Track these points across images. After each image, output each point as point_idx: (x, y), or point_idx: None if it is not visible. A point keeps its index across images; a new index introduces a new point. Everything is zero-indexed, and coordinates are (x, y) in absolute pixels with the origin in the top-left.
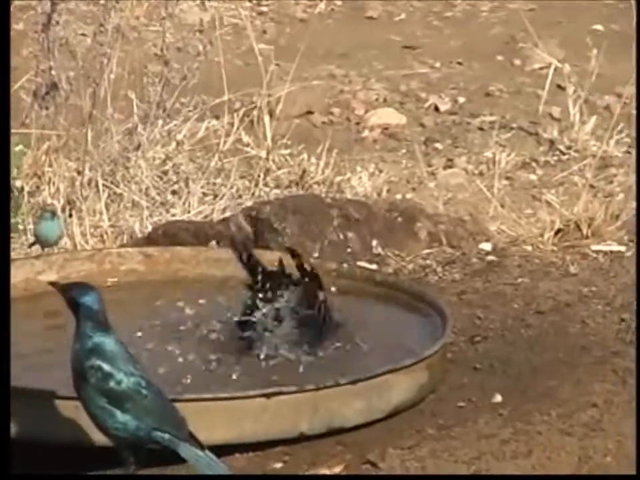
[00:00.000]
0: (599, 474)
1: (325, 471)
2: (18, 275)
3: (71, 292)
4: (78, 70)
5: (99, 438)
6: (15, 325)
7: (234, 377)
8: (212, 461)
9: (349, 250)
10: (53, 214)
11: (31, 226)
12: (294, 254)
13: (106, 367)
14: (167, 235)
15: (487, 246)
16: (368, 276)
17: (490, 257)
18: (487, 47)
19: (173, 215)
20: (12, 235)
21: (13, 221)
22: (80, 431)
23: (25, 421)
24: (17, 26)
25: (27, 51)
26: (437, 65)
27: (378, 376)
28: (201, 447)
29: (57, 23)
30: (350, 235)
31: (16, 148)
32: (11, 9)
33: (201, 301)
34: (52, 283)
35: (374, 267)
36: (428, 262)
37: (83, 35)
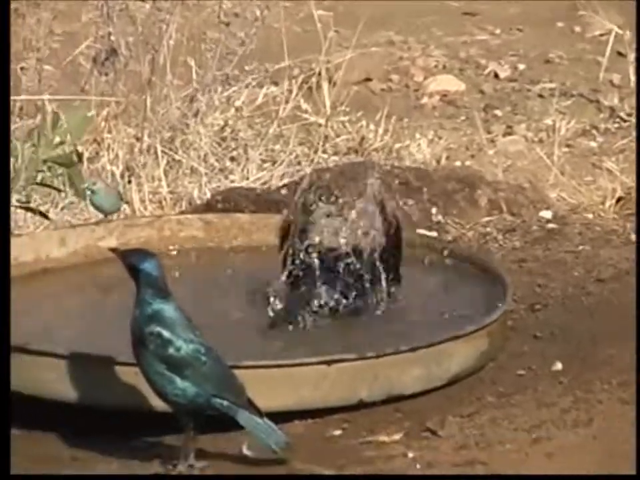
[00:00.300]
0: (599, 474)
1: (384, 438)
2: (79, 242)
3: (131, 258)
4: (137, 36)
5: (157, 403)
6: (75, 291)
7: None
8: (270, 428)
9: (408, 218)
10: (92, 191)
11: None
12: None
13: (165, 333)
14: (226, 202)
15: (547, 214)
16: (427, 243)
17: (550, 225)
18: (547, 14)
19: (232, 182)
20: (74, 200)
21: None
22: (139, 397)
23: (85, 386)
24: None
25: (87, 17)
26: (497, 31)
27: (438, 343)
28: (260, 414)
29: None
30: (409, 202)
31: (88, 114)
32: None
33: (258, 267)
34: (112, 249)
35: (433, 234)
36: (488, 230)
37: (142, 0)
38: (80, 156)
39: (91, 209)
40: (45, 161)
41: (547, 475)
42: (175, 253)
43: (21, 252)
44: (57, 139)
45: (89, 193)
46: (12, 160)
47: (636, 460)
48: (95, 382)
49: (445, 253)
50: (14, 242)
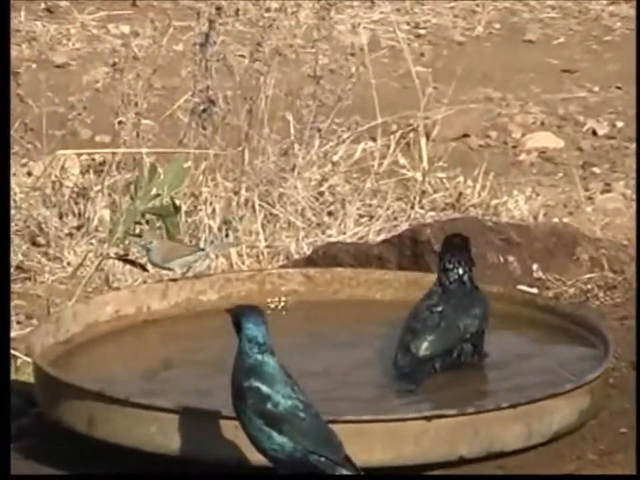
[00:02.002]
0: (599, 474)
1: None
2: (180, 295)
3: (236, 312)
4: (235, 89)
5: (258, 458)
6: (177, 343)
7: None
8: None
9: (509, 274)
10: (147, 250)
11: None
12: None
13: (264, 388)
14: (327, 256)
15: None
16: (529, 300)
17: None
18: None
19: (329, 236)
20: None
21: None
22: (241, 450)
23: (186, 439)
24: (176, 47)
25: (186, 71)
26: (596, 88)
27: (539, 400)
28: (357, 470)
29: (215, 42)
30: (510, 258)
31: (185, 165)
32: (171, 29)
33: (358, 324)
34: (227, 310)
35: (535, 290)
36: (589, 286)
37: (241, 55)
38: (177, 207)
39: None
40: (142, 214)
41: (548, 475)
42: (276, 307)
43: (122, 305)
44: (154, 191)
45: (144, 251)
46: (109, 213)
47: (636, 460)
48: (196, 435)
49: (546, 309)
50: (114, 295)
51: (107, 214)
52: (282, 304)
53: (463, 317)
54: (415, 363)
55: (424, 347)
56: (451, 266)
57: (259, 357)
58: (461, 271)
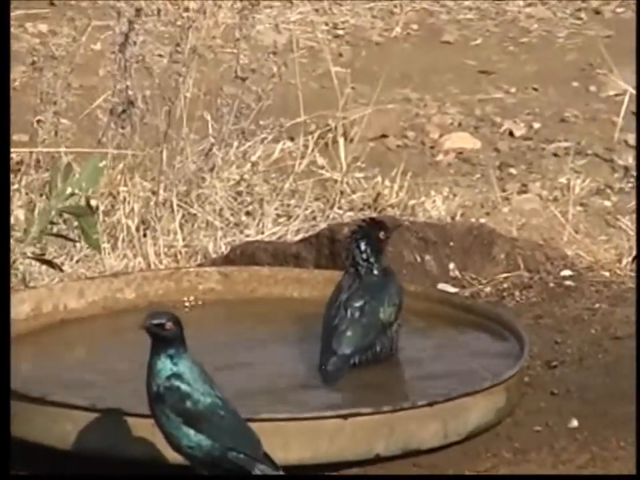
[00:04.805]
0: (600, 474)
1: None
2: (97, 293)
3: (148, 316)
4: (154, 89)
5: (175, 456)
6: (94, 342)
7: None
8: None
9: (426, 272)
10: None
11: (106, 245)
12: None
13: (183, 387)
14: (244, 255)
15: (564, 271)
16: (445, 298)
17: (567, 282)
18: (563, 73)
19: (247, 236)
20: (89, 253)
21: (94, 237)
22: (157, 449)
23: (101, 438)
24: (94, 46)
25: (104, 71)
26: (512, 90)
27: (455, 398)
28: (276, 467)
29: (134, 43)
30: (427, 257)
31: (100, 164)
32: (89, 29)
33: (275, 322)
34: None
35: (452, 289)
36: (505, 285)
37: (160, 55)
38: (91, 207)
39: (106, 261)
40: (60, 214)
41: (547, 475)
42: (193, 305)
43: (39, 303)
44: (69, 190)
45: None
46: (26, 212)
47: (636, 460)
48: (112, 434)
49: (462, 308)
50: (31, 293)
51: (21, 214)
52: (199, 302)
53: (382, 307)
54: (337, 361)
55: (345, 344)
56: (363, 255)
57: (176, 357)
58: (372, 258)
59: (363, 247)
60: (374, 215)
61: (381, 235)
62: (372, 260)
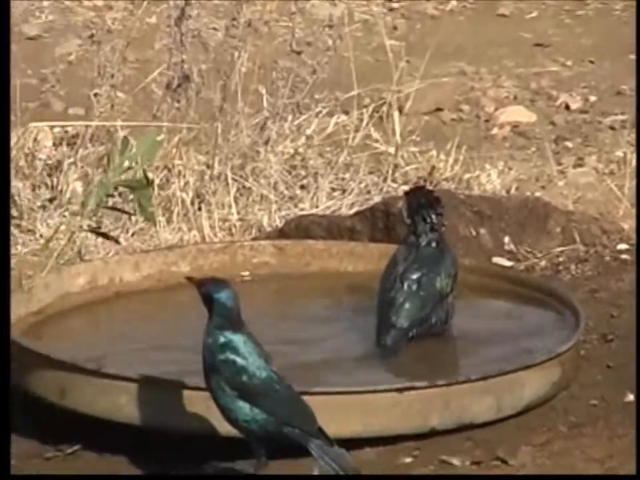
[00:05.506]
0: (600, 474)
1: (456, 463)
2: (153, 266)
3: (207, 287)
4: (209, 63)
5: (229, 429)
6: (149, 315)
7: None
8: (340, 457)
9: (481, 246)
10: None
11: (161, 218)
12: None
13: (239, 360)
14: (299, 229)
15: (620, 244)
16: (500, 272)
17: (623, 256)
18: (619, 46)
19: (301, 210)
20: (144, 226)
21: (150, 210)
22: (211, 422)
23: (155, 410)
24: (150, 20)
25: (160, 44)
26: (568, 62)
27: (510, 372)
28: (330, 442)
29: (190, 16)
30: (482, 231)
31: (157, 137)
32: (145, 2)
33: (330, 296)
34: (188, 278)
35: (506, 263)
36: (561, 259)
37: (215, 29)
38: (149, 180)
39: (161, 235)
40: (116, 187)
41: (548, 475)
42: (247, 279)
43: (94, 276)
44: (126, 163)
45: None
46: (83, 185)
47: (636, 460)
48: (167, 406)
49: (517, 281)
50: (87, 266)
51: (79, 186)
52: (254, 276)
53: (439, 277)
54: (395, 334)
55: (403, 317)
56: (420, 227)
57: (232, 331)
58: (431, 230)
59: (428, 217)
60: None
61: (440, 209)
62: (434, 231)
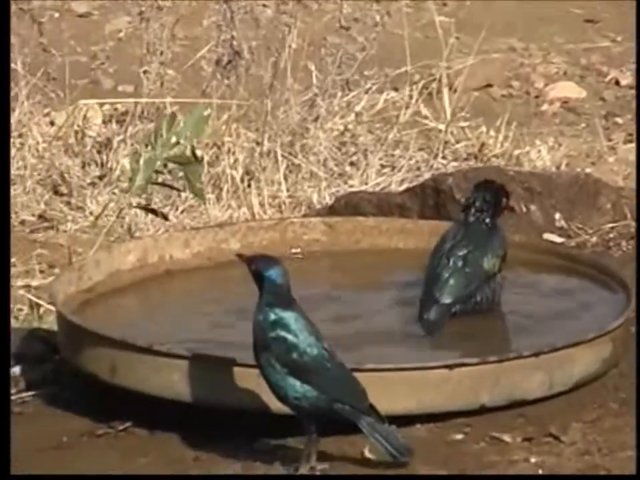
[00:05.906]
0: (600, 474)
1: (508, 440)
2: (203, 244)
3: (257, 264)
4: (259, 40)
5: (280, 406)
6: (199, 292)
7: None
8: (391, 434)
9: (532, 223)
10: None
11: (211, 195)
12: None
13: (290, 337)
14: (349, 206)
15: None
16: (551, 248)
17: None
18: None
19: (351, 187)
20: (193, 203)
21: (199, 186)
22: (262, 399)
23: (207, 387)
24: None
25: (209, 21)
26: (619, 38)
27: (561, 349)
28: (381, 419)
29: None
30: (533, 207)
31: (205, 112)
32: None
33: (380, 272)
34: (238, 255)
35: (557, 239)
36: (611, 235)
37: (264, 5)
38: (196, 156)
39: (210, 212)
40: (165, 164)
41: (548, 475)
42: (298, 256)
43: (144, 253)
44: (174, 139)
45: None
46: (131, 162)
47: (636, 460)
48: (218, 383)
49: (568, 258)
50: (137, 244)
51: (127, 163)
52: (304, 253)
53: (486, 257)
54: (438, 310)
55: (447, 293)
56: (478, 204)
57: (282, 308)
58: (485, 210)
59: (487, 197)
60: (479, 165)
61: (503, 202)
62: (489, 212)
